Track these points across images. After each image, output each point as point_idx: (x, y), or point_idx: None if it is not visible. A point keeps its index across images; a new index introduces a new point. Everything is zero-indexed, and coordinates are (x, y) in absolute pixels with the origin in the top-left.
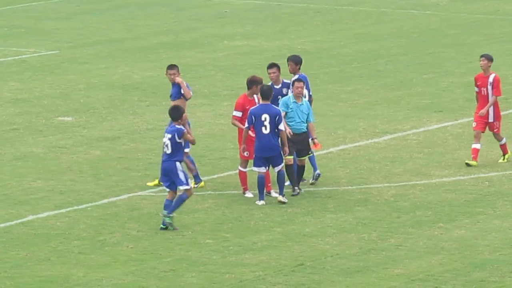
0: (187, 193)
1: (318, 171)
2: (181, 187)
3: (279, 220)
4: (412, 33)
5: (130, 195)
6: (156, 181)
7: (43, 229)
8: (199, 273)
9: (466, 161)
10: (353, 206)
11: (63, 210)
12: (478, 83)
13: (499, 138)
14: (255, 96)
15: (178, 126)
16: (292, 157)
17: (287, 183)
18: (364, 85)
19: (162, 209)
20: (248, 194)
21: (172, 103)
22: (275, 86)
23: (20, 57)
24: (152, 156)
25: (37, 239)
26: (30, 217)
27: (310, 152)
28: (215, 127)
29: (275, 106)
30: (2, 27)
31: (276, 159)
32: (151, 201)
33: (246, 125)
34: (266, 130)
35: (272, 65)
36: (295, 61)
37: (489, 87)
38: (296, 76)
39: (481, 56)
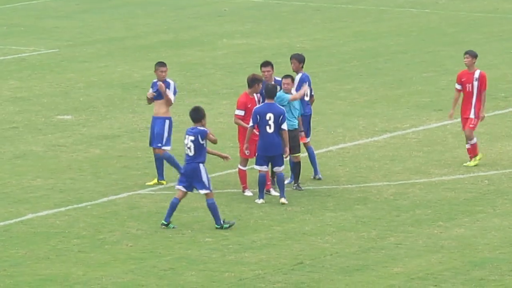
0: (209, 196)
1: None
2: (202, 191)
3: (279, 219)
4: (412, 31)
5: (130, 193)
6: (155, 180)
7: (43, 227)
8: (198, 272)
9: (464, 164)
10: (353, 205)
11: (63, 209)
12: (462, 80)
13: (471, 137)
14: (254, 94)
15: (201, 128)
16: (299, 154)
17: (287, 181)
18: (363, 84)
19: (160, 207)
20: (248, 193)
21: (158, 101)
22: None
23: (19, 55)
24: (151, 155)
25: (37, 238)
26: (30, 216)
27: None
28: (215, 125)
29: (279, 106)
30: (2, 25)
31: (278, 159)
32: (150, 199)
33: (251, 124)
34: (270, 129)
35: (266, 64)
36: (299, 59)
37: (475, 83)
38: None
39: (465, 53)
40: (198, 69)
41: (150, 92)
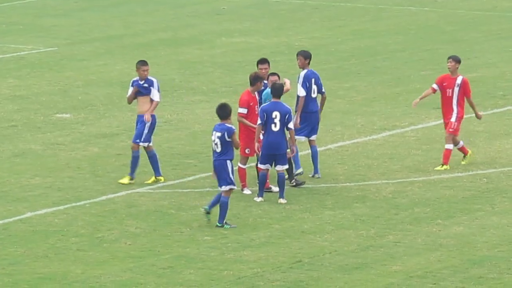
0: (226, 194)
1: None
2: (223, 188)
3: (278, 217)
4: (410, 29)
5: (128, 192)
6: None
7: (41, 226)
8: (197, 270)
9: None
10: (351, 203)
11: (61, 207)
12: (444, 84)
13: (453, 141)
14: (256, 92)
15: (229, 125)
16: (288, 150)
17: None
18: (362, 82)
19: (158, 205)
20: (247, 191)
21: (142, 98)
22: (265, 81)
23: (18, 54)
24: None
25: (35, 236)
26: (28, 214)
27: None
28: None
29: (285, 104)
30: (0, 23)
31: (281, 158)
32: (149, 198)
33: (259, 121)
34: (275, 128)
35: (263, 61)
36: (305, 56)
37: (456, 89)
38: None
39: (449, 58)
40: (196, 67)
41: (131, 90)
